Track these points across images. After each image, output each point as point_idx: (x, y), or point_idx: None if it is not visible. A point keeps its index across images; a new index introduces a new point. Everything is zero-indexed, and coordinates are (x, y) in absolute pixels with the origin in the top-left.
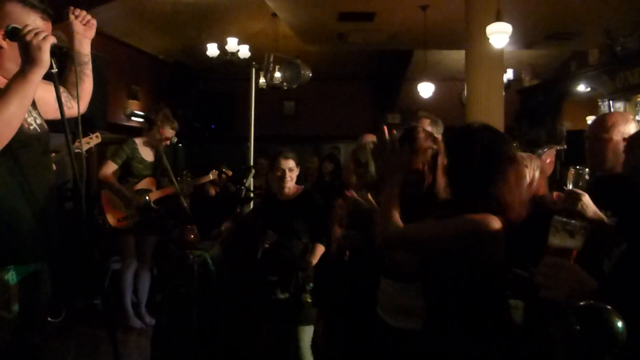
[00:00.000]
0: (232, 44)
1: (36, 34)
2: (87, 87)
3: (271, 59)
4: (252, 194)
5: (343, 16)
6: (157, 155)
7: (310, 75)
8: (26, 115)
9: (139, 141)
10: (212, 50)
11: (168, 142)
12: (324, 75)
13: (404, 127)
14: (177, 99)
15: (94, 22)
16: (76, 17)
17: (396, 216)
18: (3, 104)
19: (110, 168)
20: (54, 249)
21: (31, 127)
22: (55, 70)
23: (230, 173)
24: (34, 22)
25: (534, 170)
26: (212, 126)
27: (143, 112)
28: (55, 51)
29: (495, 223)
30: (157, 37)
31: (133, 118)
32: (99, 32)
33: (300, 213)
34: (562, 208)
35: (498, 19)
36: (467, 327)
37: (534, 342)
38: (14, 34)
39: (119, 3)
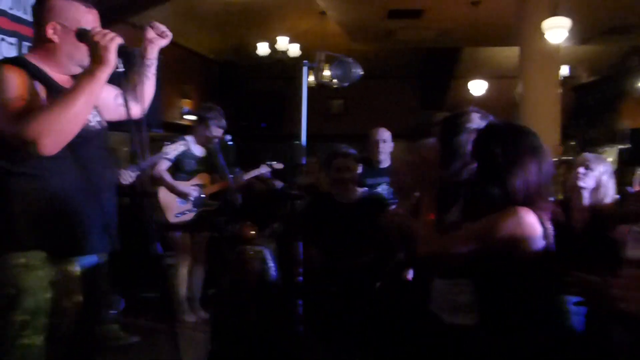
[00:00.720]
0: (282, 42)
1: (104, 35)
2: (149, 89)
3: (322, 57)
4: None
5: (392, 13)
6: (208, 151)
7: (361, 73)
8: (93, 117)
9: (189, 138)
10: (263, 49)
11: (217, 139)
12: (372, 74)
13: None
14: (227, 97)
15: (169, 34)
16: (152, 28)
17: (434, 231)
18: (71, 101)
19: (164, 165)
20: (115, 242)
21: (91, 124)
22: (121, 69)
23: (281, 166)
24: (79, 14)
25: (601, 174)
26: (263, 124)
27: (194, 110)
28: (121, 51)
29: (523, 218)
30: (208, 37)
31: (185, 116)
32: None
33: (369, 218)
34: (629, 211)
35: (554, 13)
36: (517, 322)
37: (594, 349)
38: (83, 35)
39: (171, 5)
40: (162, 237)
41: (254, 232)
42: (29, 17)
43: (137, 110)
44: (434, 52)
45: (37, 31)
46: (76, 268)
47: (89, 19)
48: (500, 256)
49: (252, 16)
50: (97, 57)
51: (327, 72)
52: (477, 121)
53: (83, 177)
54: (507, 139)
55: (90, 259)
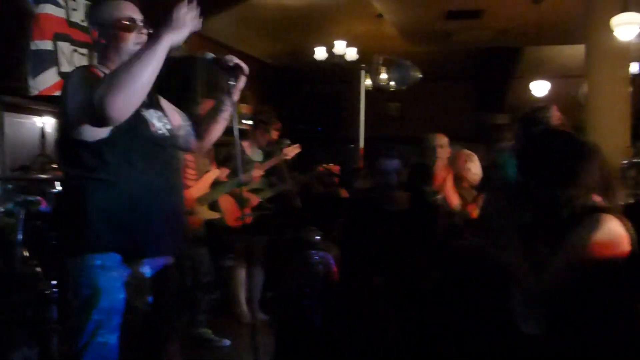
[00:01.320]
0: (339, 46)
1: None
2: (218, 131)
3: (380, 61)
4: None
5: (450, 14)
6: (265, 155)
7: (419, 76)
8: (156, 121)
9: (245, 143)
10: (320, 53)
11: (273, 143)
12: (429, 76)
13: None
14: (284, 101)
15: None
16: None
17: (530, 272)
18: (135, 62)
19: (224, 172)
20: (183, 245)
21: (160, 132)
22: (232, 83)
23: (337, 168)
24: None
25: None
26: (319, 129)
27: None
28: (226, 66)
29: (609, 227)
30: (265, 42)
31: (243, 121)
32: (211, 40)
33: (423, 229)
34: None
35: (625, 8)
36: (600, 332)
37: None
38: None
39: (230, 12)
40: (222, 240)
41: (318, 237)
42: None
43: (196, 145)
44: (492, 52)
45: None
46: (146, 270)
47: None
48: (592, 268)
49: (309, 21)
50: (170, 23)
51: (384, 76)
52: (557, 115)
53: (153, 181)
54: (563, 146)
55: (160, 261)
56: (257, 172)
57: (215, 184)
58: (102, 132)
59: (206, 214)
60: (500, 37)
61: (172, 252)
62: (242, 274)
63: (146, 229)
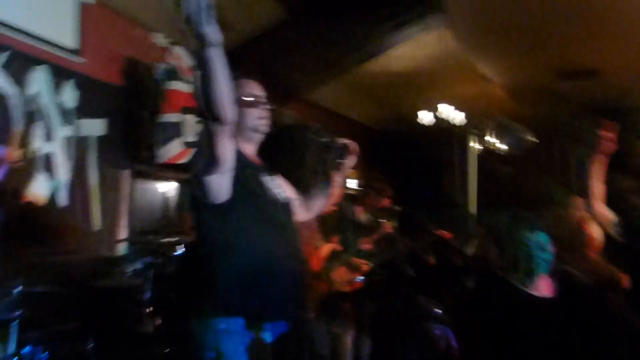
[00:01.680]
0: (445, 110)
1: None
2: (321, 203)
3: (490, 124)
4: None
5: (564, 75)
6: (374, 220)
7: (533, 140)
8: (274, 187)
9: (358, 209)
10: (426, 117)
11: (384, 209)
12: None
13: None
14: (390, 166)
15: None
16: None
17: None
18: (211, 72)
19: (334, 239)
20: (304, 308)
21: (278, 196)
22: (341, 161)
23: (451, 236)
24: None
25: None
26: (427, 194)
27: (358, 180)
28: (336, 147)
29: None
30: (371, 107)
31: (348, 185)
32: (319, 107)
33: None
34: None
35: None
36: None
37: None
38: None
39: (337, 80)
40: (331, 306)
41: (440, 310)
42: None
43: (303, 217)
44: (613, 112)
45: None
46: (267, 335)
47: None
48: None
49: (414, 85)
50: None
51: (493, 139)
52: None
53: (276, 244)
54: None
55: (281, 327)
56: (369, 240)
57: (332, 254)
58: (225, 194)
59: (323, 287)
60: (621, 96)
61: (294, 316)
62: (349, 340)
63: (270, 292)
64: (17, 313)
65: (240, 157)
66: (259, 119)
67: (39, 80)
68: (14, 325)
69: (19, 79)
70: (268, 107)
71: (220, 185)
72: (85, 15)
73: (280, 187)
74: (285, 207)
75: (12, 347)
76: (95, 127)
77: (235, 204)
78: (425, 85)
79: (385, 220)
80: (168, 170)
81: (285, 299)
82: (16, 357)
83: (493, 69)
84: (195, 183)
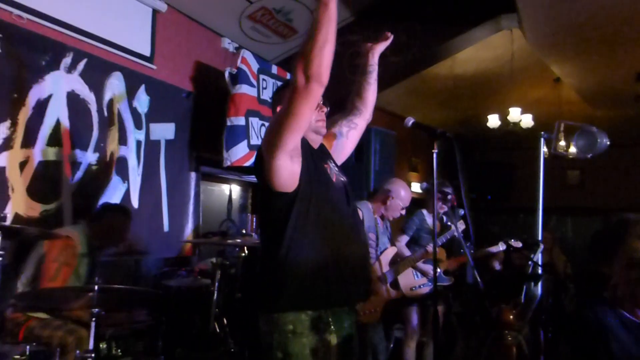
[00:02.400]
0: (514, 113)
1: None
2: (372, 94)
3: (561, 128)
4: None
5: None
6: (442, 226)
7: (608, 143)
8: (336, 174)
9: (425, 212)
10: (493, 120)
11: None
12: (614, 141)
13: None
14: (454, 170)
15: (390, 36)
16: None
17: None
18: (317, 29)
19: (403, 240)
20: (369, 291)
21: (340, 181)
22: (435, 151)
23: (519, 244)
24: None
25: None
26: (489, 197)
27: (421, 183)
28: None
29: None
30: (437, 110)
31: (414, 189)
32: (385, 111)
33: None
34: None
35: None
36: None
37: None
38: None
39: (403, 83)
40: (394, 310)
41: (512, 317)
42: None
43: (362, 124)
44: None
45: (274, 112)
46: (333, 338)
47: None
48: None
49: (481, 88)
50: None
51: (562, 143)
52: None
53: (343, 230)
54: None
55: (345, 331)
56: (444, 266)
57: (397, 258)
58: (294, 182)
59: (390, 293)
60: None
61: (361, 298)
62: (412, 345)
63: (339, 277)
64: (97, 310)
65: (306, 146)
66: (319, 121)
67: (114, 86)
68: (92, 322)
69: (96, 85)
70: (327, 109)
71: (292, 172)
72: (158, 23)
73: (341, 175)
74: (347, 192)
75: (90, 343)
76: (165, 131)
77: (305, 192)
78: (492, 88)
79: (452, 225)
80: (231, 172)
81: (354, 283)
82: (93, 354)
83: (566, 70)
84: (265, 172)
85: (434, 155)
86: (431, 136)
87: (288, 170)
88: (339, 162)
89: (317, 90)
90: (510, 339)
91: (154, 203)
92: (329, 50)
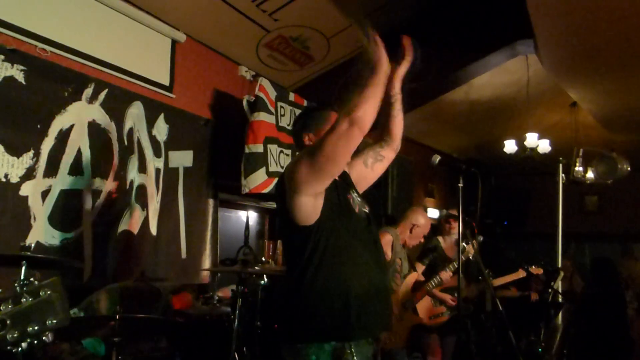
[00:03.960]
0: (531, 139)
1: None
2: (399, 123)
3: (580, 153)
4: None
5: None
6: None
7: (629, 169)
8: (359, 205)
9: (441, 239)
10: (510, 146)
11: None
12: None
13: None
14: (469, 195)
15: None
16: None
17: None
18: (369, 89)
19: (420, 268)
20: (391, 323)
21: (363, 213)
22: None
23: (540, 271)
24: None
25: None
26: (505, 222)
27: (437, 208)
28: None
29: None
30: (452, 136)
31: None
32: (403, 137)
33: None
34: None
35: None
36: None
37: None
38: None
39: (420, 109)
40: (415, 337)
41: (542, 349)
42: None
43: (390, 155)
44: None
45: (297, 140)
46: (352, 358)
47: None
48: None
49: (497, 114)
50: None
51: (579, 168)
52: None
53: (367, 261)
54: None
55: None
56: (467, 294)
57: (416, 286)
58: (316, 215)
59: (412, 319)
60: None
61: (385, 329)
62: None
63: (363, 309)
64: (118, 339)
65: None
66: None
67: (133, 115)
68: (113, 351)
69: (116, 115)
70: None
71: (314, 207)
72: (177, 53)
73: (364, 206)
74: (369, 222)
75: None
76: (184, 158)
77: (327, 224)
78: (508, 114)
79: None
80: (248, 199)
81: (377, 314)
82: None
83: (583, 95)
84: (287, 204)
85: (460, 190)
86: (457, 171)
87: (311, 206)
88: (360, 191)
89: (357, 136)
90: None
91: (172, 230)
92: (375, 104)
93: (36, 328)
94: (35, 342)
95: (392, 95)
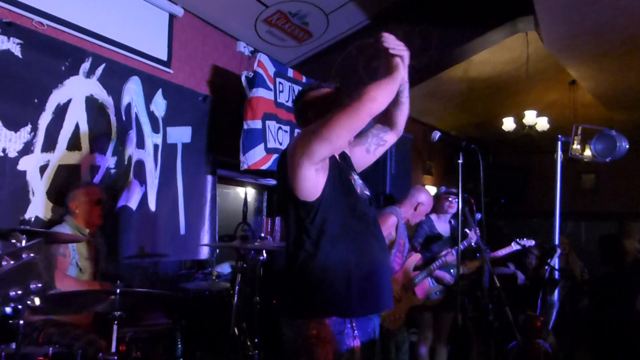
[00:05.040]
0: (530, 116)
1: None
2: (404, 113)
3: (579, 131)
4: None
5: None
6: (452, 229)
7: (627, 147)
8: (360, 185)
9: (434, 217)
10: (509, 124)
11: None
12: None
13: None
14: (467, 173)
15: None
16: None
17: None
18: (388, 82)
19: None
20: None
21: (364, 194)
22: (461, 161)
23: (532, 242)
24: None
25: None
26: (502, 201)
27: (435, 186)
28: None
29: None
30: (452, 114)
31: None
32: None
33: None
34: None
35: None
36: None
37: None
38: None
39: (418, 87)
40: (413, 316)
41: (539, 325)
42: None
43: (392, 139)
44: None
45: (299, 116)
46: (357, 343)
47: None
48: None
49: (496, 91)
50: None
51: (577, 146)
52: None
53: (368, 239)
54: None
55: (368, 334)
56: (464, 270)
57: (416, 267)
58: (318, 191)
59: (411, 299)
60: None
61: (389, 306)
62: (425, 350)
63: (366, 286)
64: (118, 313)
65: (332, 157)
66: None
67: (131, 90)
68: (114, 325)
69: (114, 90)
70: None
71: (316, 182)
72: (175, 27)
73: (365, 187)
74: (370, 203)
75: (112, 346)
76: (182, 134)
77: (328, 201)
78: (507, 92)
79: (468, 230)
80: (246, 175)
81: (378, 292)
82: (116, 357)
83: (583, 73)
84: (288, 178)
85: (459, 166)
86: (457, 148)
87: (312, 181)
88: (358, 171)
89: (365, 119)
90: (538, 347)
91: (171, 206)
92: (389, 95)
93: (19, 292)
94: (19, 306)
95: (401, 83)
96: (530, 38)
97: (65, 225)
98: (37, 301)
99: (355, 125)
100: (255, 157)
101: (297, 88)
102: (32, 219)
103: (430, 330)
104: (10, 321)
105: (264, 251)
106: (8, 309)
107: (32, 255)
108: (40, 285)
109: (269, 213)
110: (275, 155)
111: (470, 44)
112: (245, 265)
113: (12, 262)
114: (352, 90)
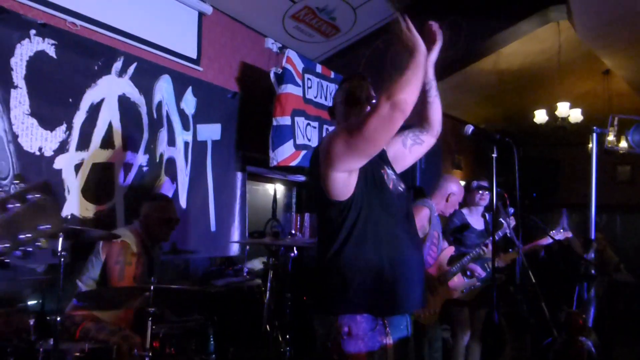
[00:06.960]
0: (562, 108)
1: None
2: (437, 111)
3: (615, 122)
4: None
5: None
6: (486, 223)
7: None
8: (394, 181)
9: (466, 211)
10: (541, 116)
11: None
12: None
13: None
14: (498, 167)
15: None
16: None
17: None
18: (410, 73)
19: (445, 243)
20: (425, 298)
21: (398, 189)
22: (494, 155)
23: (570, 234)
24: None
25: None
26: (534, 194)
27: (465, 180)
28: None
29: None
30: (481, 107)
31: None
32: None
33: None
34: None
35: None
36: None
37: None
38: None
39: (447, 80)
40: (446, 311)
41: (581, 322)
42: (329, 103)
43: (430, 141)
44: None
45: (336, 112)
46: (390, 340)
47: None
48: None
49: (527, 83)
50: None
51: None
52: None
53: (400, 236)
54: None
55: (401, 330)
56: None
57: (450, 260)
58: (350, 191)
59: (446, 293)
60: None
61: (420, 306)
62: (461, 345)
63: (398, 284)
64: (152, 310)
65: None
66: None
67: (162, 88)
68: (149, 321)
69: (145, 88)
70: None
71: (348, 183)
72: (203, 25)
73: (399, 182)
74: (404, 199)
75: (147, 342)
76: (211, 131)
77: (361, 199)
78: (538, 83)
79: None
80: (275, 172)
81: (410, 290)
82: (150, 353)
83: (618, 62)
84: (320, 179)
85: (494, 160)
86: (491, 142)
87: (344, 182)
88: (397, 171)
89: (398, 120)
90: (582, 345)
91: (202, 203)
92: (416, 86)
93: (28, 235)
94: (30, 249)
95: (427, 82)
96: (562, 27)
97: (126, 231)
98: (45, 244)
99: (388, 131)
100: (285, 153)
101: (325, 84)
102: (69, 217)
103: (467, 326)
104: (48, 317)
105: (294, 247)
106: (18, 253)
107: (37, 195)
108: (49, 226)
109: (298, 209)
110: (304, 152)
111: (500, 35)
112: (277, 262)
113: (18, 204)
114: (380, 88)
